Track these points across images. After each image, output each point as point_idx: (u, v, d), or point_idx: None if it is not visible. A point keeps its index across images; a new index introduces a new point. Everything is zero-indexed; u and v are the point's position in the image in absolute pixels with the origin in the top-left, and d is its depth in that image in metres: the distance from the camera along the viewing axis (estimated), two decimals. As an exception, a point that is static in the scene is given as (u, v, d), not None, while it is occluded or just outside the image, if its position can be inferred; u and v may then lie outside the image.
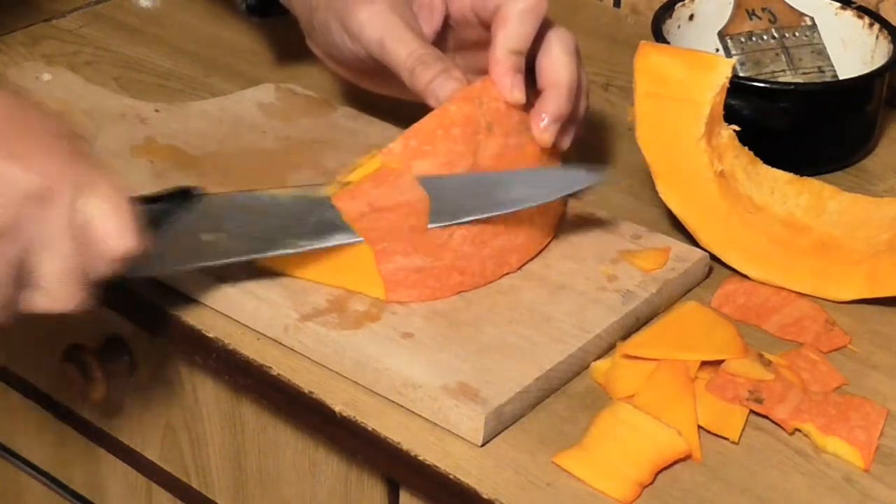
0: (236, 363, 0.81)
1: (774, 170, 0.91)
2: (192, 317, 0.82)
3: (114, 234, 0.70)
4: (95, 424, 0.99)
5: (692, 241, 0.89)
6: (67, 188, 0.68)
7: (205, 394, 0.89)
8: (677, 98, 0.87)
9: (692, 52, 0.90)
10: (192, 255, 0.77)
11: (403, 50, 0.85)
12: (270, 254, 0.80)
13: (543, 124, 0.84)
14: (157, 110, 0.99)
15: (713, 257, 0.88)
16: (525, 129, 0.84)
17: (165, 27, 1.15)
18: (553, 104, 0.85)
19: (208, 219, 0.76)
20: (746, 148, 0.90)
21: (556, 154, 0.87)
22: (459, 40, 0.91)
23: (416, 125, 0.81)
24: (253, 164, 0.93)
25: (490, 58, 0.84)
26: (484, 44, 0.87)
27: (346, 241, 0.80)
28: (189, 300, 0.83)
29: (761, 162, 0.90)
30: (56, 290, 0.70)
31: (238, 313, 0.82)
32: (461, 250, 0.81)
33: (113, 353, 0.92)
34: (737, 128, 0.89)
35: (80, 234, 0.69)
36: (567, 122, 0.86)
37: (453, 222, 0.81)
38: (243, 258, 0.79)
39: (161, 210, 0.74)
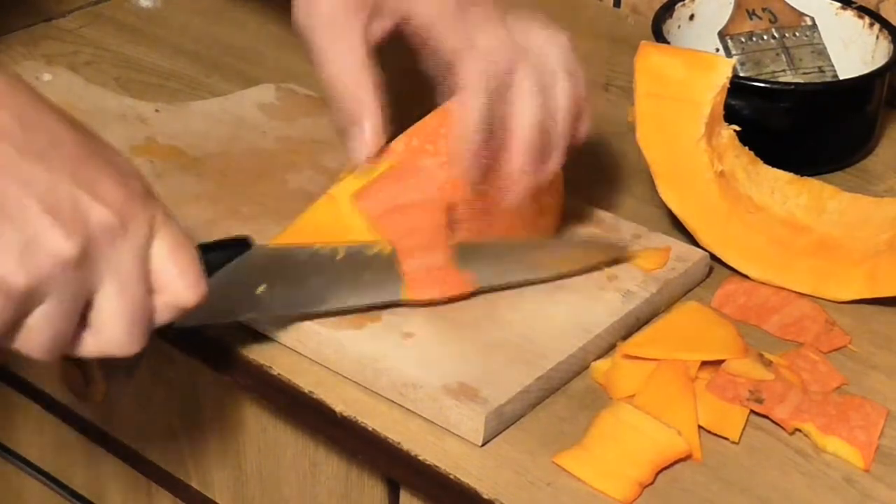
0: (236, 363, 0.81)
1: (774, 170, 0.91)
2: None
3: (186, 282, 0.68)
4: (95, 424, 0.99)
5: (692, 241, 0.89)
6: (141, 226, 0.67)
7: (205, 394, 0.89)
8: (677, 98, 0.87)
9: (692, 52, 0.90)
10: (244, 307, 0.76)
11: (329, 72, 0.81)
12: (323, 308, 0.79)
13: (508, 191, 0.81)
14: (157, 110, 0.99)
15: (713, 257, 0.88)
16: None
17: (165, 27, 1.15)
18: (509, 165, 0.81)
19: (262, 271, 0.75)
20: (747, 148, 0.90)
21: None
22: None
23: (417, 124, 0.81)
24: (253, 164, 0.93)
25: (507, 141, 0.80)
26: None
27: (394, 299, 0.80)
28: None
29: (761, 162, 0.90)
30: (113, 333, 0.68)
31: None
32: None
33: (113, 353, 0.92)
34: (737, 128, 0.89)
35: (149, 278, 0.68)
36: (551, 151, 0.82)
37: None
38: (295, 312, 0.79)
39: (216, 259, 0.73)
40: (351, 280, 0.79)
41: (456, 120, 0.79)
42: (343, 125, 0.81)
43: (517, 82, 0.80)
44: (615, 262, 0.85)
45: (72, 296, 0.66)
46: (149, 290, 0.68)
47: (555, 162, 0.82)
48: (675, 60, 0.88)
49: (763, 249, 0.88)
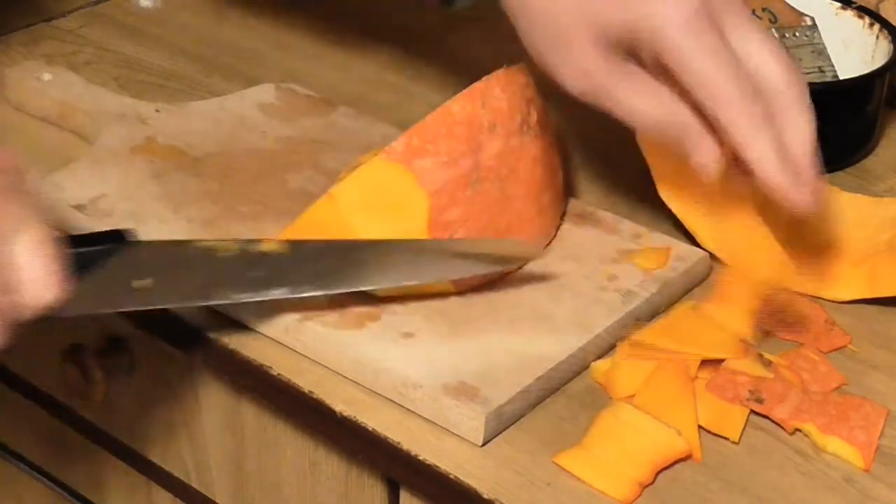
0: (236, 363, 0.81)
1: None
2: (192, 317, 0.82)
3: (38, 284, 0.67)
4: (95, 424, 0.99)
5: (692, 241, 0.89)
6: (2, 227, 0.66)
7: (205, 394, 0.89)
8: None
9: None
10: (119, 301, 0.74)
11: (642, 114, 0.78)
12: (200, 303, 0.78)
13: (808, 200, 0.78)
14: (157, 110, 0.99)
15: (713, 257, 0.88)
16: (526, 132, 0.83)
17: (165, 27, 1.15)
18: (805, 175, 0.78)
19: (140, 266, 0.74)
20: None
21: (555, 162, 0.87)
22: None
23: (418, 124, 0.81)
24: (253, 164, 0.93)
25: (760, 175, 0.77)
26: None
27: (281, 296, 0.78)
28: (189, 300, 0.83)
29: None
30: None
31: (238, 313, 0.81)
32: None
33: (113, 353, 0.92)
34: None
35: (7, 278, 0.66)
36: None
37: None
38: (172, 306, 0.78)
39: (92, 254, 0.72)
40: (233, 278, 0.76)
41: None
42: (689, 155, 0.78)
43: (783, 104, 0.78)
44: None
45: None
46: (5, 290, 0.67)
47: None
48: None
49: (763, 249, 0.88)
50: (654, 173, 0.89)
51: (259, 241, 0.76)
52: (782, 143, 0.78)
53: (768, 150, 0.76)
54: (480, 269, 0.81)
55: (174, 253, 0.76)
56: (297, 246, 0.77)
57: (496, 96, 0.82)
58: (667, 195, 0.89)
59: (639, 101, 0.78)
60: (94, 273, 0.72)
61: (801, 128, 0.79)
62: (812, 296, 0.86)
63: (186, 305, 0.79)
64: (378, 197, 0.80)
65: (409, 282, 0.79)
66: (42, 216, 0.68)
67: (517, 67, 0.84)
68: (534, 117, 0.84)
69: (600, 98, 0.79)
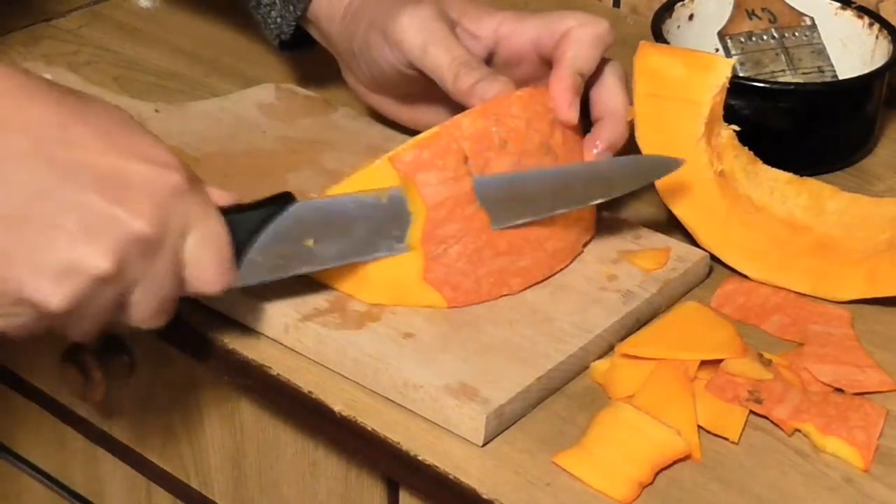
0: (236, 363, 0.81)
1: (774, 170, 0.91)
2: (192, 317, 0.82)
3: (211, 275, 0.72)
4: (95, 424, 0.99)
5: (692, 241, 0.89)
6: (173, 230, 0.69)
7: (205, 394, 0.89)
8: (677, 98, 0.88)
9: (692, 52, 0.90)
10: (295, 262, 0.77)
11: (446, 55, 0.85)
12: (367, 258, 0.80)
13: (597, 151, 0.86)
14: (157, 110, 0.99)
15: (713, 257, 0.88)
16: (546, 153, 0.83)
17: (165, 27, 1.15)
18: (609, 132, 0.86)
19: (307, 224, 0.77)
20: (746, 148, 0.90)
21: None
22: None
23: (427, 135, 0.80)
24: (253, 165, 0.93)
25: (553, 75, 0.84)
26: (531, 81, 0.87)
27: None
28: (188, 300, 0.83)
29: (761, 162, 0.91)
30: (143, 314, 0.71)
31: (238, 313, 0.82)
32: (455, 266, 0.81)
33: (113, 353, 0.92)
34: (736, 128, 0.89)
35: (178, 270, 0.71)
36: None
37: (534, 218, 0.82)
38: (342, 263, 0.79)
39: (260, 217, 0.76)
40: (397, 225, 0.79)
41: (570, 58, 0.85)
42: (470, 83, 0.84)
43: (607, 69, 0.88)
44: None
45: (105, 302, 0.69)
46: (179, 281, 0.71)
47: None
48: (675, 60, 0.88)
49: (763, 249, 0.88)
50: None
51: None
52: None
53: (581, 63, 0.86)
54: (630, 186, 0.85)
55: (337, 207, 0.78)
56: None
57: (514, 114, 0.81)
58: (666, 195, 0.89)
59: (444, 42, 0.86)
60: (263, 237, 0.75)
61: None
62: (812, 296, 0.86)
63: (357, 260, 0.80)
64: None
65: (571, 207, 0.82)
66: (215, 210, 0.72)
67: (546, 88, 0.84)
68: (557, 140, 0.83)
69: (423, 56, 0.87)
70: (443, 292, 0.81)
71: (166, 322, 0.73)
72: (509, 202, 0.81)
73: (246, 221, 0.75)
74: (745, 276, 0.88)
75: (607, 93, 0.87)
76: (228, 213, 0.74)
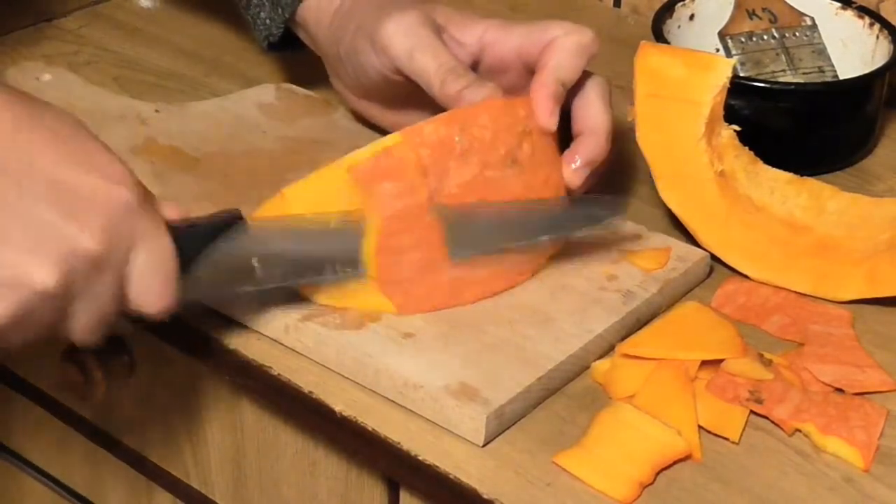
0: (236, 363, 0.81)
1: (774, 170, 0.91)
2: (192, 317, 0.82)
3: (153, 295, 0.71)
4: (95, 424, 0.99)
5: (692, 241, 0.89)
6: (118, 251, 0.69)
7: (205, 394, 0.89)
8: (677, 98, 0.88)
9: (692, 52, 0.90)
10: (238, 281, 0.77)
11: (433, 61, 0.85)
12: (314, 280, 0.79)
13: (575, 166, 0.85)
14: (157, 111, 0.99)
15: (713, 257, 0.88)
16: (510, 165, 0.81)
17: (165, 27, 1.15)
18: (589, 149, 0.85)
19: (255, 244, 0.76)
20: (746, 148, 0.90)
21: (548, 194, 0.85)
22: None
23: (388, 142, 0.79)
24: (253, 165, 0.93)
25: (534, 82, 0.84)
26: (516, 90, 0.87)
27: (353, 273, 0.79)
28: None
29: (761, 162, 0.90)
30: (83, 328, 0.71)
31: (238, 313, 0.81)
32: (407, 275, 0.80)
33: (113, 353, 0.91)
34: (737, 128, 0.89)
35: (121, 286, 0.70)
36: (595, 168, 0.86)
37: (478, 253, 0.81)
38: (285, 284, 0.78)
39: (208, 234, 0.75)
40: (346, 250, 0.78)
41: (553, 66, 0.84)
42: (456, 90, 0.84)
43: (589, 83, 0.87)
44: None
45: (45, 315, 0.68)
46: (121, 294, 0.70)
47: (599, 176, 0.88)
48: (675, 60, 0.88)
49: (763, 249, 0.88)
50: (654, 173, 0.89)
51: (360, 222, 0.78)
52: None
53: (564, 72, 0.86)
54: (569, 231, 0.84)
55: (283, 229, 0.77)
56: None
57: (481, 124, 0.80)
58: (667, 195, 0.89)
59: (430, 49, 0.86)
60: (210, 255, 0.74)
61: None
62: (812, 296, 0.86)
63: (298, 283, 0.79)
64: (330, 205, 0.78)
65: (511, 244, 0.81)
66: (163, 229, 0.71)
67: (520, 99, 0.83)
68: (526, 152, 0.82)
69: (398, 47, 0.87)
70: (393, 299, 0.80)
71: (101, 338, 0.72)
72: (464, 235, 0.81)
73: (194, 237, 0.74)
74: (746, 277, 0.88)
75: (589, 108, 0.87)
76: (177, 227, 0.72)
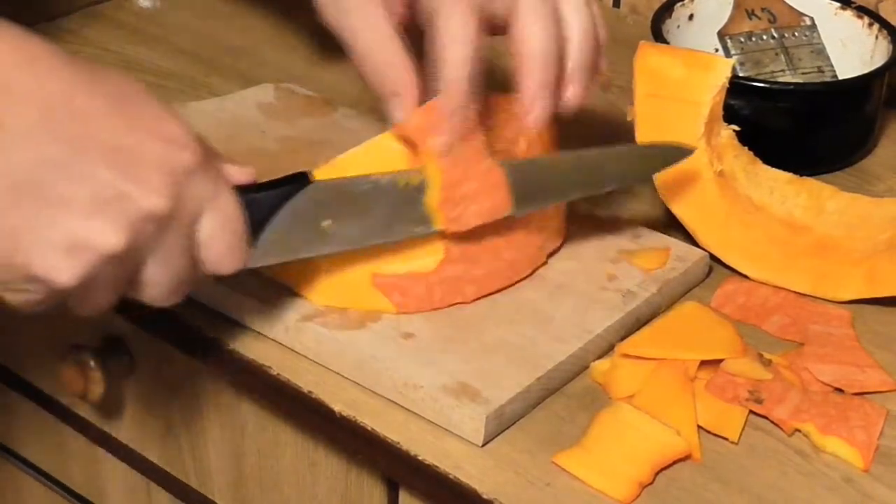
0: (236, 363, 0.81)
1: (774, 170, 0.91)
2: (192, 317, 0.82)
3: (225, 255, 0.71)
4: (95, 424, 0.99)
5: (692, 241, 0.89)
6: (187, 210, 0.68)
7: (205, 394, 0.89)
8: (677, 98, 0.88)
9: (692, 52, 0.90)
10: (310, 244, 0.77)
11: (370, 49, 0.82)
12: (385, 240, 0.79)
13: (528, 113, 0.81)
14: (157, 110, 0.99)
15: (713, 257, 0.89)
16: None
17: (165, 27, 1.15)
18: (525, 82, 0.80)
19: (323, 205, 0.76)
20: (746, 148, 0.90)
21: None
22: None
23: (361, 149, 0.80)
24: (253, 165, 0.93)
25: (521, 77, 0.80)
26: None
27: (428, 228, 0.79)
28: (188, 300, 0.83)
29: (760, 162, 0.91)
30: (156, 293, 0.70)
31: (238, 313, 0.82)
32: (473, 226, 0.80)
33: (113, 353, 0.92)
34: (736, 128, 0.89)
35: (191, 249, 0.70)
36: (566, 81, 0.82)
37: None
38: (360, 245, 0.78)
39: (277, 196, 0.75)
40: (413, 209, 0.79)
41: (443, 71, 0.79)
42: (383, 96, 0.81)
43: (517, 14, 0.80)
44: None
45: (116, 278, 0.68)
46: (193, 260, 0.70)
47: (575, 93, 0.83)
48: (675, 60, 0.88)
49: (762, 249, 0.88)
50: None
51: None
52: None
53: (461, 51, 0.79)
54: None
55: (354, 189, 0.77)
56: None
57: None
58: (666, 195, 0.89)
59: (368, 39, 0.81)
60: (280, 217, 0.74)
61: (526, 32, 0.81)
62: (812, 296, 0.86)
63: (372, 243, 0.79)
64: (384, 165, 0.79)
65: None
66: (230, 191, 0.71)
67: (514, 96, 0.82)
68: (521, 147, 0.82)
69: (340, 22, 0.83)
70: (391, 298, 0.80)
71: (180, 300, 0.72)
72: (532, 187, 0.80)
73: (262, 201, 0.74)
74: (746, 276, 0.88)
75: (517, 35, 0.81)
76: (245, 191, 0.73)
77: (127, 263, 0.68)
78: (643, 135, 0.89)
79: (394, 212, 0.78)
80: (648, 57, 0.89)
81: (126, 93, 0.68)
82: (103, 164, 0.65)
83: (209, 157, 0.70)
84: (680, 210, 0.89)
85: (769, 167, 0.91)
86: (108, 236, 0.65)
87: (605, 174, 0.83)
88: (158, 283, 0.70)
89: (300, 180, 0.76)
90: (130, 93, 0.68)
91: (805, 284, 0.87)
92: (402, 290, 0.80)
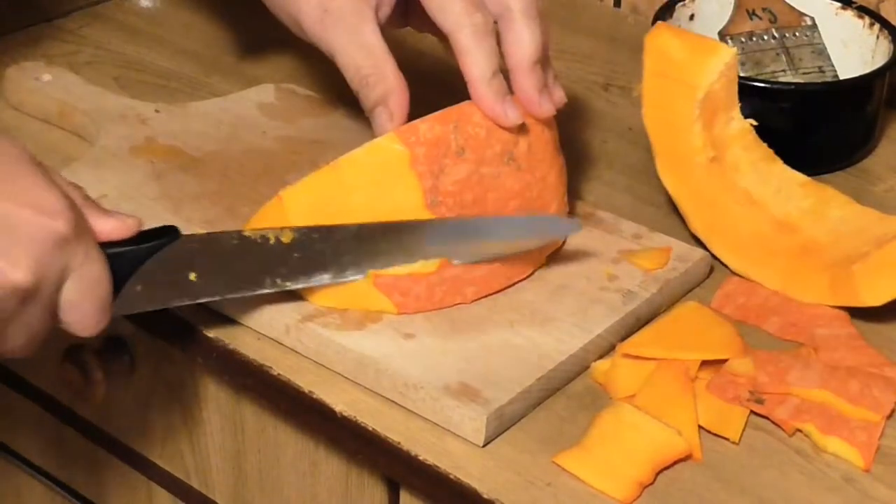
0: (236, 363, 0.81)
1: (791, 171, 0.91)
2: (192, 317, 0.82)
3: (87, 321, 0.71)
4: (95, 424, 0.99)
5: (692, 241, 0.89)
6: (49, 282, 0.68)
7: (205, 394, 0.89)
8: (678, 80, 0.88)
9: (698, 36, 0.91)
10: (174, 295, 0.77)
11: (349, 61, 0.83)
12: (251, 293, 0.79)
13: (539, 106, 0.82)
14: (157, 110, 0.99)
15: (714, 258, 0.89)
16: (507, 162, 0.81)
17: (165, 27, 1.15)
18: (526, 87, 0.82)
19: (191, 258, 0.76)
20: (766, 145, 0.90)
21: (547, 190, 0.85)
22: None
23: (381, 141, 0.79)
24: (253, 164, 0.93)
25: (470, 89, 0.81)
26: None
27: (325, 282, 0.79)
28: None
29: (780, 161, 0.91)
30: (14, 348, 0.71)
31: (239, 313, 0.81)
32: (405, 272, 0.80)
33: (113, 353, 0.92)
34: (754, 122, 0.90)
35: (52, 312, 0.70)
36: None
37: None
38: (225, 297, 0.78)
39: (144, 252, 0.74)
40: (278, 263, 0.78)
41: (468, 69, 0.80)
42: (369, 107, 0.82)
43: (510, 21, 0.82)
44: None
45: None
46: (53, 319, 0.71)
47: (560, 94, 0.85)
48: (682, 43, 0.89)
49: (745, 242, 0.88)
50: (655, 150, 0.90)
51: (300, 228, 0.78)
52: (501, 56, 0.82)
53: (483, 62, 0.80)
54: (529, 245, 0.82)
55: (222, 244, 0.77)
56: (332, 231, 0.78)
57: (475, 122, 0.80)
58: (664, 174, 0.90)
59: (349, 47, 0.82)
60: (147, 269, 0.74)
61: (522, 39, 0.82)
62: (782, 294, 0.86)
63: (238, 295, 0.79)
64: (326, 206, 0.79)
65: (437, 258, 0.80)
66: (97, 256, 0.71)
67: (517, 97, 0.83)
68: (522, 149, 0.82)
69: (322, 40, 0.84)
70: (392, 298, 0.80)
71: (34, 352, 0.72)
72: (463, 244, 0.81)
73: (130, 254, 0.74)
74: (726, 266, 0.88)
75: (514, 41, 0.82)
76: (113, 245, 0.72)
77: None
78: (648, 112, 0.90)
79: (263, 265, 0.78)
80: (659, 37, 0.90)
81: (5, 160, 0.68)
82: None
83: (80, 223, 0.70)
84: (674, 191, 0.90)
85: (788, 167, 0.91)
86: None
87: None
88: (16, 342, 0.70)
89: (168, 234, 0.75)
90: (10, 160, 0.68)
91: (776, 282, 0.86)
92: (403, 291, 0.80)
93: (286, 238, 0.78)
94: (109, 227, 0.72)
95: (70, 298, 0.70)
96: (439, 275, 0.80)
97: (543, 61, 0.84)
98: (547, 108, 0.83)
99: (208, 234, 0.78)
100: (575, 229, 0.85)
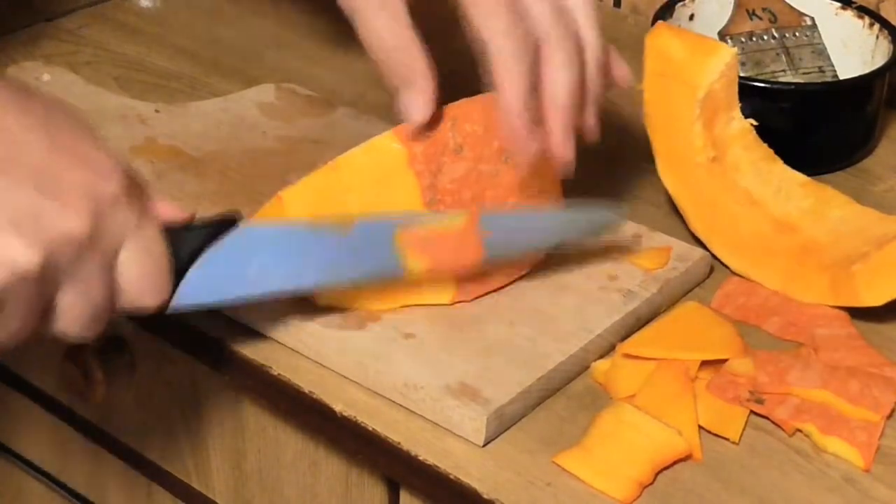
0: (236, 363, 0.81)
1: (792, 171, 0.91)
2: (192, 316, 0.82)
3: (145, 289, 0.70)
4: (95, 424, 0.99)
5: (693, 241, 0.89)
6: (109, 237, 0.67)
7: (205, 394, 0.89)
8: (678, 79, 0.88)
9: (698, 36, 0.91)
10: (235, 287, 0.75)
11: (377, 41, 0.80)
12: (318, 286, 0.78)
13: (558, 153, 0.80)
14: (157, 110, 0.99)
15: (714, 257, 0.89)
16: (505, 160, 0.81)
17: (165, 27, 1.15)
18: (553, 126, 0.80)
19: (252, 249, 0.74)
20: (766, 145, 0.90)
21: (545, 187, 0.85)
22: None
23: (378, 139, 0.79)
24: (253, 164, 0.93)
25: (500, 109, 0.79)
26: None
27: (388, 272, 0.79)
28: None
29: (781, 162, 0.91)
30: (70, 325, 0.68)
31: (239, 313, 0.81)
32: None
33: (113, 353, 0.92)
34: (754, 122, 0.90)
35: (111, 282, 0.68)
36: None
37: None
38: (289, 291, 0.77)
39: (204, 237, 0.73)
40: (349, 255, 0.77)
41: (501, 107, 0.78)
42: (396, 85, 0.80)
43: (550, 53, 0.79)
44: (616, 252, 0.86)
45: (31, 300, 0.66)
46: (112, 291, 0.69)
47: (591, 114, 0.82)
48: (682, 43, 0.89)
49: (744, 242, 0.88)
50: (655, 150, 0.90)
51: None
52: (537, 88, 0.79)
53: (518, 87, 0.78)
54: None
55: (283, 233, 0.76)
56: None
57: (473, 119, 0.80)
58: (664, 174, 0.90)
59: (381, 24, 0.79)
60: (205, 259, 0.72)
61: (556, 80, 0.80)
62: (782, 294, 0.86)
63: (296, 290, 0.78)
64: (326, 206, 0.79)
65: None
66: (154, 226, 0.69)
67: None
68: None
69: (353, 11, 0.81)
70: (384, 291, 0.80)
71: (96, 335, 0.70)
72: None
73: (190, 240, 0.72)
74: (726, 266, 0.88)
75: (547, 81, 0.80)
76: (174, 229, 0.71)
77: (42, 287, 0.65)
78: (649, 112, 0.90)
79: (330, 256, 0.76)
80: (659, 37, 0.90)
81: (58, 119, 0.68)
82: (24, 184, 0.65)
83: (135, 190, 0.69)
84: (674, 190, 0.90)
85: (789, 168, 0.91)
86: (23, 253, 0.64)
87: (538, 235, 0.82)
88: (74, 313, 0.68)
89: (229, 222, 0.74)
90: (63, 119, 0.68)
91: (776, 282, 0.86)
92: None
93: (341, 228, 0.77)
94: (164, 208, 0.72)
95: (127, 264, 0.68)
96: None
97: (582, 98, 0.81)
98: (567, 153, 0.80)
99: (272, 220, 0.77)
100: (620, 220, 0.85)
